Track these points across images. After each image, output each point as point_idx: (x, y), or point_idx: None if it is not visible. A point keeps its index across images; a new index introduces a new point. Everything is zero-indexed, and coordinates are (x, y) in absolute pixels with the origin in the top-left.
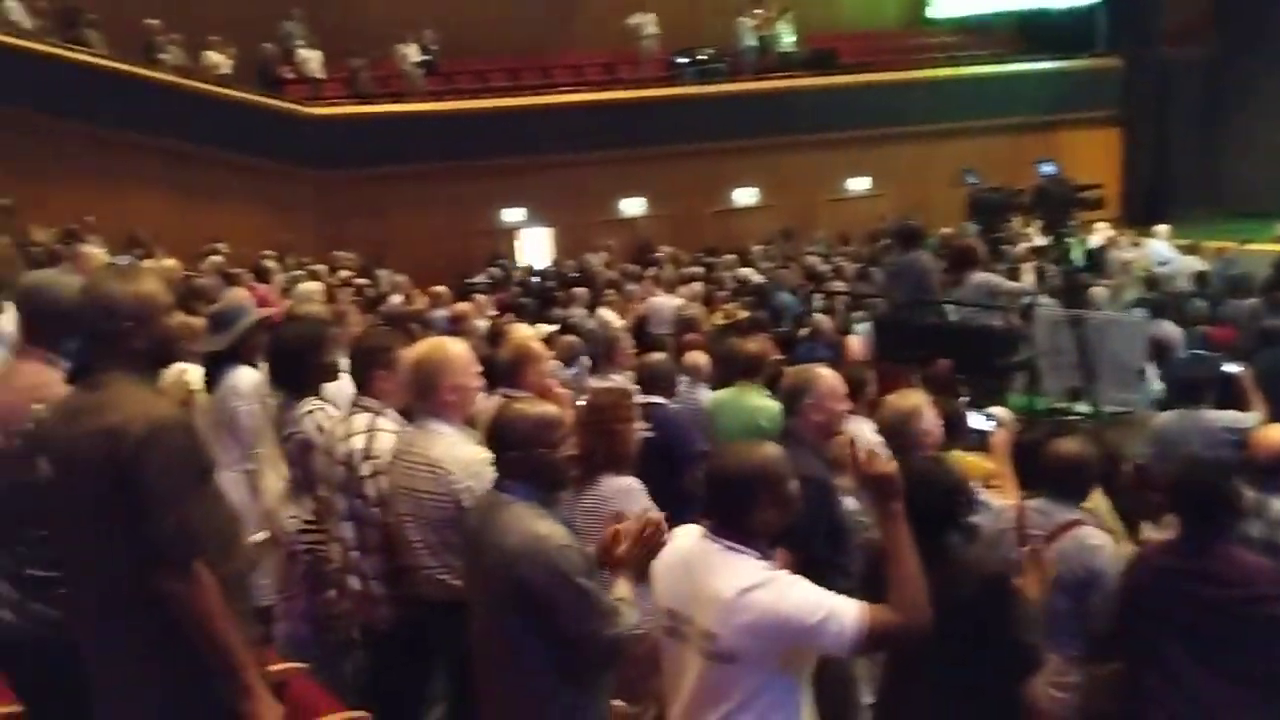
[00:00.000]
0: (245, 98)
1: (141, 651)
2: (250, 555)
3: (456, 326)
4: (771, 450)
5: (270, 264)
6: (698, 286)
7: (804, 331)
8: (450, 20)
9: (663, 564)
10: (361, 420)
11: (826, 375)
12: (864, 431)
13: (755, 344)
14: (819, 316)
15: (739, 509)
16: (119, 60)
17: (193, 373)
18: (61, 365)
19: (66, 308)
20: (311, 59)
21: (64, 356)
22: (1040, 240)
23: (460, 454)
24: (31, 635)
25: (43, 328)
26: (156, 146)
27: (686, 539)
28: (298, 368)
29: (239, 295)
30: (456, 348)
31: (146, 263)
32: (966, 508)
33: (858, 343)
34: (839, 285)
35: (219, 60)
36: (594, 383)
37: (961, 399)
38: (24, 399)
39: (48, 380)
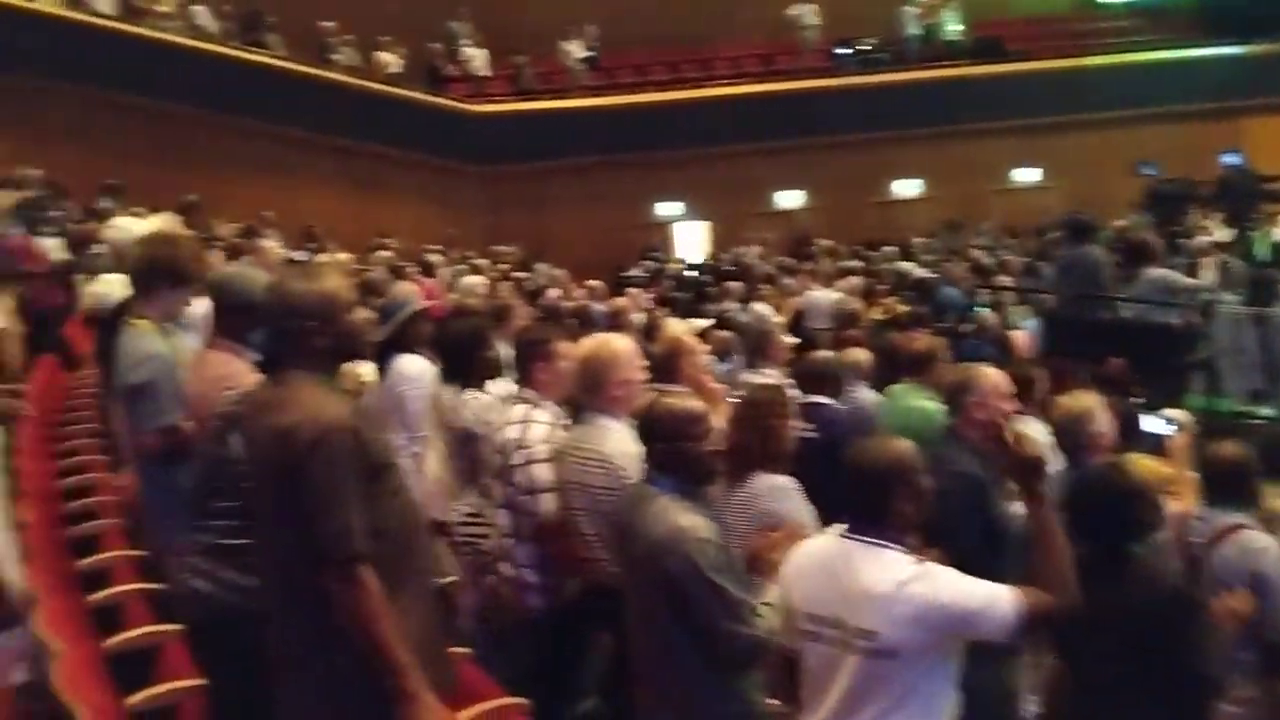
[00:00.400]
0: (413, 96)
1: (311, 641)
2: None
3: (614, 321)
4: (903, 444)
5: (434, 258)
6: (856, 280)
7: (968, 327)
8: (611, 14)
9: (798, 568)
10: (519, 410)
11: (990, 373)
12: (1035, 432)
13: (924, 341)
14: (984, 312)
15: (875, 504)
16: (295, 62)
17: (365, 365)
18: (248, 356)
19: (253, 302)
20: (477, 57)
21: (250, 348)
22: (1222, 234)
23: (630, 449)
24: (224, 604)
25: (231, 320)
26: (329, 144)
27: (821, 541)
28: (463, 361)
29: (406, 289)
30: (623, 344)
31: (320, 257)
32: (1151, 514)
33: (1024, 340)
34: (1005, 280)
35: (389, 60)
36: (748, 378)
37: (1136, 400)
38: (214, 387)
39: (236, 370)
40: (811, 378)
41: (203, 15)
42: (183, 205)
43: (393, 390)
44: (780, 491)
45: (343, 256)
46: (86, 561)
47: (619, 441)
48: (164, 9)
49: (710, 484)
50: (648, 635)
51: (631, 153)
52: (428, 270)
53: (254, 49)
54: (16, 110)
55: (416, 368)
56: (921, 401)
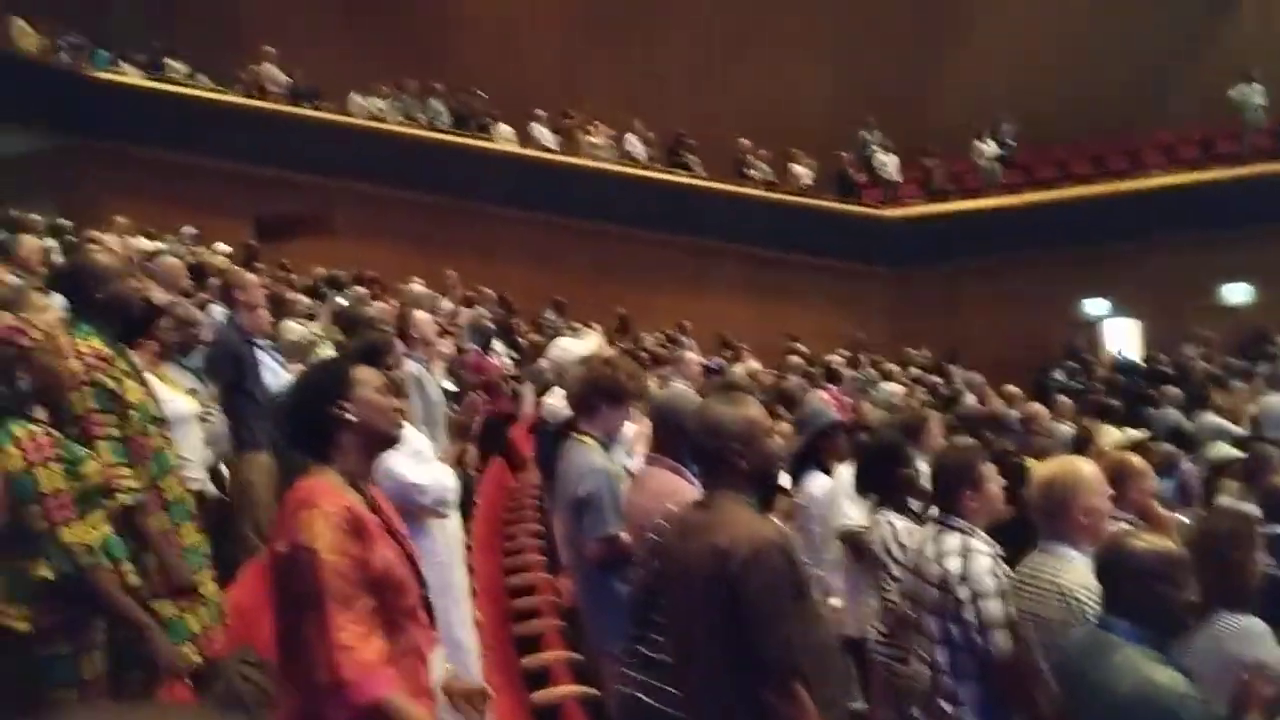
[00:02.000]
0: (825, 205)
1: None
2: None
3: (1028, 428)
4: None
5: (838, 361)
6: None
7: None
8: (1028, 109)
9: None
10: (954, 541)
11: None
12: None
13: None
14: None
15: None
16: (713, 179)
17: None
18: (686, 474)
19: (686, 424)
20: (888, 163)
21: (687, 467)
22: None
23: (1092, 583)
24: (655, 712)
25: (669, 440)
26: (743, 253)
27: None
28: (879, 478)
29: (819, 399)
30: (1088, 467)
31: (736, 367)
32: None
33: None
34: None
35: (802, 172)
36: (1237, 506)
37: None
38: (654, 504)
39: (677, 487)
40: (1276, 504)
41: (631, 143)
42: (616, 323)
43: (804, 512)
44: (1251, 636)
45: (754, 365)
46: (529, 660)
47: (1079, 574)
48: (597, 140)
49: (1179, 635)
50: None
51: (1051, 249)
52: (833, 377)
53: (676, 170)
54: (475, 235)
55: (823, 487)
56: None
